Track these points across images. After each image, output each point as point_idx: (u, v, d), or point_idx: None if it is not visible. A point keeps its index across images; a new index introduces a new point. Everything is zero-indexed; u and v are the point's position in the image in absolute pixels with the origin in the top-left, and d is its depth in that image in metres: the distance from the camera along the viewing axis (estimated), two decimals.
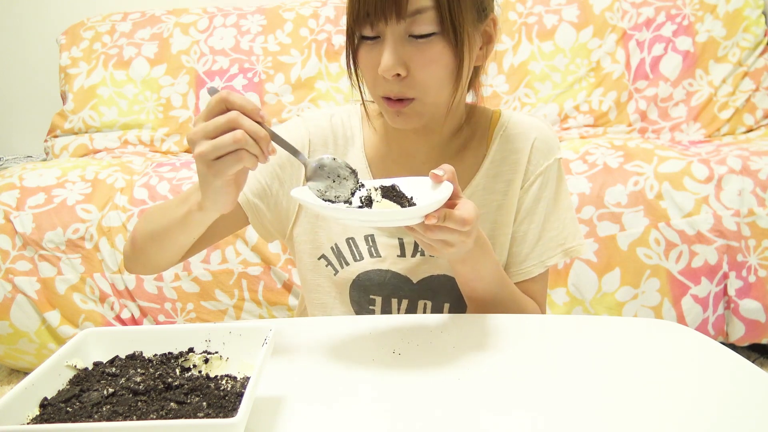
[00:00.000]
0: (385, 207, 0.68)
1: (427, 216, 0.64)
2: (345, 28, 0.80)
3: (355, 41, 0.79)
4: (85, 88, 2.34)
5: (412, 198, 0.70)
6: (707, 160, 1.67)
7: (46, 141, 2.36)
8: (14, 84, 2.71)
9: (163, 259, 0.85)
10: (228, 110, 0.63)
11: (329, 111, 0.94)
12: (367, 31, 0.76)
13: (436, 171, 0.69)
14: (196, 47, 2.37)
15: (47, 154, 2.36)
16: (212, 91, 0.65)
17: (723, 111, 2.16)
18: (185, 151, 2.31)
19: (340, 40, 2.34)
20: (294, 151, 0.69)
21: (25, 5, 2.64)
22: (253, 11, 2.43)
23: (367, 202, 0.70)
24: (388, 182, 0.71)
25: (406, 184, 0.72)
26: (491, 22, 0.80)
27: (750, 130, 2.15)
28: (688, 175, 1.64)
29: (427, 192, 0.70)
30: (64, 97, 2.38)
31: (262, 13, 2.42)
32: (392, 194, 0.70)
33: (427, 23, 0.73)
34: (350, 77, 0.83)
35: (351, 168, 0.70)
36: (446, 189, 0.67)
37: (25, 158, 2.50)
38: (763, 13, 2.22)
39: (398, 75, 0.75)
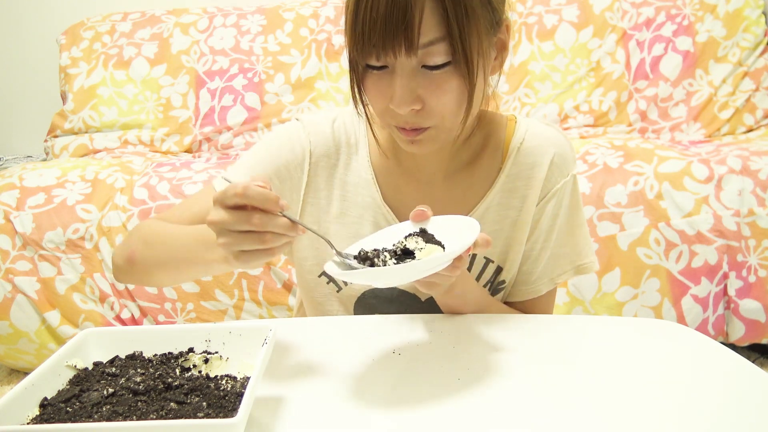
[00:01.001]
0: (430, 252, 0.65)
1: (465, 252, 0.63)
2: (346, 49, 0.73)
3: (359, 69, 0.73)
4: (85, 88, 2.34)
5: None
6: (707, 160, 1.67)
7: (46, 141, 2.36)
8: (14, 84, 2.71)
9: (168, 283, 0.82)
10: (245, 204, 0.59)
11: (332, 114, 0.88)
12: (374, 62, 0.70)
13: (422, 207, 0.68)
14: (196, 47, 2.37)
15: (47, 154, 2.36)
16: (226, 182, 0.61)
17: (723, 111, 2.16)
18: (185, 151, 2.32)
19: (340, 40, 2.34)
20: (324, 240, 0.67)
21: (25, 5, 2.64)
22: (253, 11, 2.43)
23: (404, 252, 0.65)
24: (416, 228, 0.69)
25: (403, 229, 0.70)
26: (505, 29, 0.75)
27: (750, 130, 2.15)
28: (688, 175, 1.64)
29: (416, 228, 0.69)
30: (64, 97, 2.39)
31: (262, 13, 2.42)
32: (431, 239, 0.67)
33: (440, 54, 0.68)
34: (356, 105, 0.77)
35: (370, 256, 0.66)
36: (473, 224, 0.65)
37: (25, 158, 2.50)
38: (763, 13, 2.22)
39: (413, 109, 0.71)
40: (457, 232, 0.66)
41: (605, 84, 2.22)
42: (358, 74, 0.73)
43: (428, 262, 0.61)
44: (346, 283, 0.86)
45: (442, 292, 0.72)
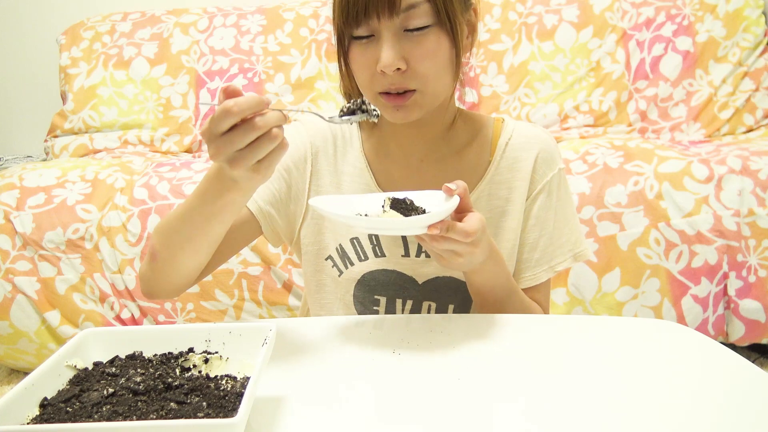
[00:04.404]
0: (390, 217, 0.71)
1: (429, 227, 0.67)
2: (334, 29, 0.80)
3: (345, 42, 0.79)
4: (85, 88, 2.34)
5: (424, 210, 0.73)
6: (707, 160, 1.67)
7: (46, 141, 2.37)
8: (14, 84, 2.71)
9: (192, 265, 0.81)
10: (240, 118, 0.60)
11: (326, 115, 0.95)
12: (360, 31, 0.76)
13: (449, 185, 0.71)
14: (196, 47, 2.37)
15: (47, 154, 2.36)
16: (206, 104, 0.64)
17: (723, 111, 2.16)
18: (185, 151, 2.31)
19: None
20: (310, 112, 0.74)
21: (25, 5, 2.64)
22: (253, 11, 2.43)
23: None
24: (401, 195, 0.74)
25: (420, 197, 0.75)
26: (473, 12, 0.83)
27: (750, 130, 2.15)
28: (688, 175, 1.64)
29: (439, 204, 0.73)
30: (64, 97, 2.39)
31: (262, 13, 2.42)
32: (401, 205, 0.72)
33: (421, 16, 0.75)
34: (342, 78, 0.85)
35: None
36: (452, 201, 0.70)
37: (25, 158, 2.50)
38: (763, 13, 2.22)
39: (398, 69, 0.76)
40: (437, 206, 0.72)
41: (605, 84, 2.22)
42: (345, 48, 0.79)
43: (386, 221, 0.69)
44: (347, 267, 0.90)
45: (461, 268, 0.77)
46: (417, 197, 0.75)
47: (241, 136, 0.60)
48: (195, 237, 0.77)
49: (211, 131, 0.61)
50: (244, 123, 0.60)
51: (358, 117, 0.71)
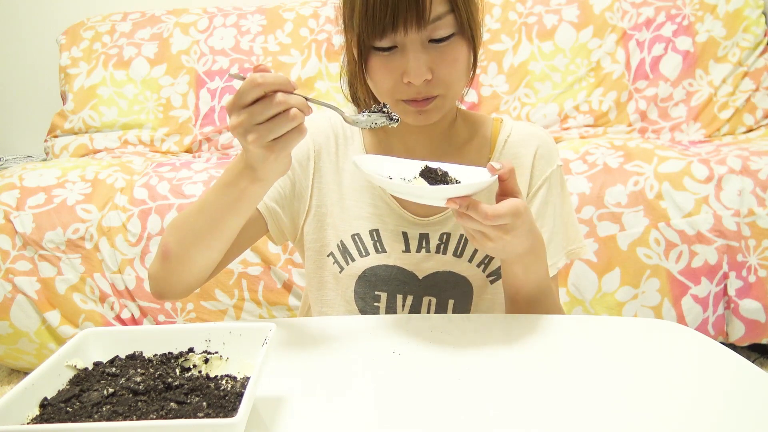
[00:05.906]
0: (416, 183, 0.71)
1: (448, 200, 0.66)
2: (347, 39, 0.80)
3: (363, 51, 0.79)
4: (85, 88, 2.34)
5: (457, 182, 0.72)
6: (707, 160, 1.67)
7: (46, 141, 2.37)
8: (14, 84, 2.71)
9: (205, 263, 0.80)
10: (264, 91, 0.63)
11: (326, 114, 0.95)
12: (383, 43, 0.77)
13: (494, 163, 0.70)
14: (196, 47, 2.37)
15: (47, 154, 2.36)
16: (237, 77, 0.65)
17: (723, 111, 2.16)
18: (185, 151, 2.31)
19: (341, 40, 2.33)
20: (332, 108, 0.72)
21: (25, 5, 2.64)
22: (253, 11, 2.43)
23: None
24: (434, 164, 0.74)
25: (460, 171, 0.74)
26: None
27: (750, 130, 2.15)
28: (688, 175, 1.64)
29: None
30: (64, 97, 2.39)
31: (262, 13, 2.42)
32: (430, 174, 0.72)
33: (446, 27, 0.76)
34: (360, 85, 0.84)
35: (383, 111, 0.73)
36: (483, 179, 0.69)
37: (25, 158, 2.50)
38: (763, 13, 2.22)
39: (425, 79, 0.77)
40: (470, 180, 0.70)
41: (605, 84, 2.22)
42: (364, 57, 0.79)
43: (406, 186, 0.69)
44: (348, 263, 0.91)
45: (495, 254, 0.78)
46: (458, 171, 0.74)
47: (261, 108, 0.62)
48: (210, 231, 0.76)
49: (235, 102, 0.64)
50: (266, 98, 0.63)
51: (382, 122, 0.71)
